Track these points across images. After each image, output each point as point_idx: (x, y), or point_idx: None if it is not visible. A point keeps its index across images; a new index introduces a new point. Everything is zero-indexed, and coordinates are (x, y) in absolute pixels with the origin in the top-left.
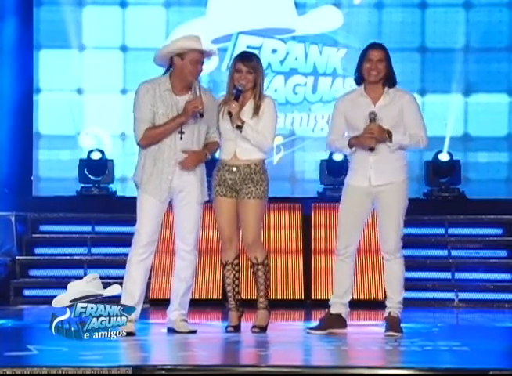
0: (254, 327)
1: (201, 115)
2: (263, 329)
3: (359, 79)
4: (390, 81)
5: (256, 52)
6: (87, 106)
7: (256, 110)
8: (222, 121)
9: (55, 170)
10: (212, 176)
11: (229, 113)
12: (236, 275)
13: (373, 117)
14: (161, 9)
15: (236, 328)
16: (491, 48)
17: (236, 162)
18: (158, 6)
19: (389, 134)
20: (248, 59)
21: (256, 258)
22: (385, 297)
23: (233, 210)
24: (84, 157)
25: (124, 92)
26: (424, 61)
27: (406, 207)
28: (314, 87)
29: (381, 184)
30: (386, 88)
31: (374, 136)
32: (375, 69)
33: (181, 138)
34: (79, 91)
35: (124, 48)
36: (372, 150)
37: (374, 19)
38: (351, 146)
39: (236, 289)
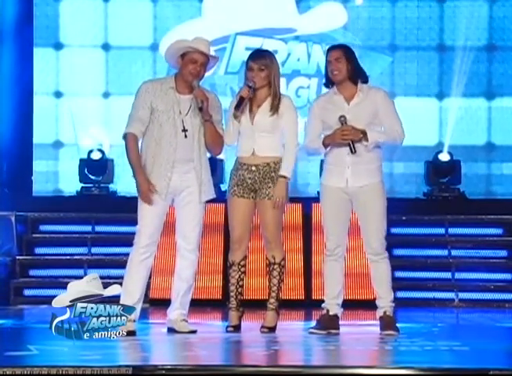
0: (262, 327)
1: (200, 109)
2: (272, 329)
3: (328, 83)
4: (357, 77)
5: None
6: (65, 112)
7: (274, 109)
8: (243, 118)
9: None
10: (230, 175)
11: (241, 98)
12: (242, 276)
13: (343, 121)
14: (148, 2)
15: (236, 328)
16: None
17: (255, 161)
18: (144, 0)
19: (364, 133)
20: (259, 57)
21: (273, 258)
22: (375, 297)
23: (248, 211)
24: (63, 167)
25: (106, 95)
26: (443, 61)
27: (386, 207)
28: (318, 89)
29: (358, 186)
30: (359, 86)
31: (349, 138)
32: (335, 69)
33: (185, 136)
34: (57, 94)
35: (106, 47)
36: (353, 152)
37: (387, 15)
38: (325, 145)
39: (240, 289)
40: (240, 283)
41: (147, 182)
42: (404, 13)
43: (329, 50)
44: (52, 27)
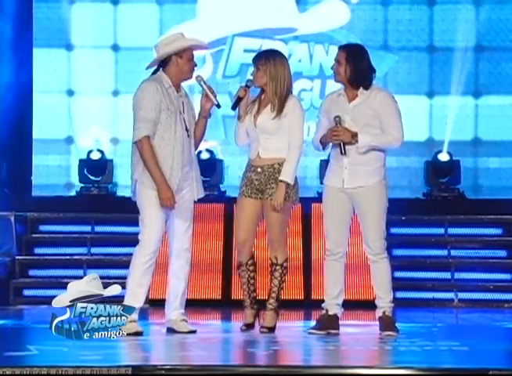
0: (262, 327)
1: (218, 106)
2: (271, 329)
3: None
4: (358, 82)
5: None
6: (76, 109)
7: (277, 110)
8: (248, 120)
9: (42, 176)
10: (242, 177)
11: (238, 98)
12: (252, 274)
13: (337, 121)
14: (154, 6)
15: (250, 326)
16: (503, 47)
17: (260, 162)
18: (151, 3)
19: (356, 135)
20: (256, 56)
21: (276, 258)
22: (375, 297)
23: (255, 211)
24: (75, 162)
25: (115, 93)
26: (432, 61)
27: (386, 207)
28: (321, 91)
29: (353, 187)
30: (360, 89)
31: (340, 138)
32: (334, 70)
33: (188, 135)
34: (68, 93)
35: (115, 48)
36: (343, 154)
37: (380, 17)
38: (323, 143)
39: (252, 288)
40: (251, 281)
41: (170, 189)
42: (396, 16)
43: (338, 48)
44: (65, 29)
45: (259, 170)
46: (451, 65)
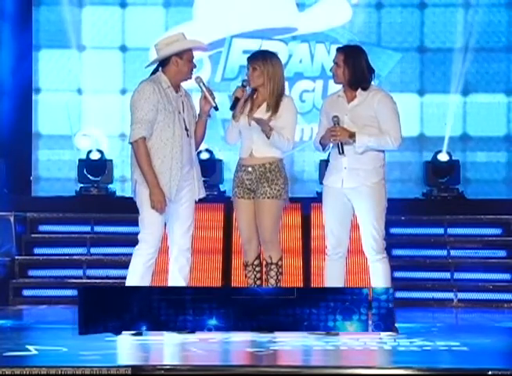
0: None
1: (216, 108)
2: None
3: None
4: (357, 84)
5: None
6: (86, 107)
7: (272, 109)
8: (242, 119)
9: (54, 170)
10: (233, 177)
11: (236, 98)
12: (258, 275)
13: (335, 121)
14: (161, 8)
15: None
16: (490, 48)
17: (252, 162)
18: (158, 6)
19: (353, 135)
20: (252, 57)
21: (270, 258)
22: None
23: (251, 211)
24: (84, 157)
25: (123, 92)
26: (423, 61)
27: (385, 207)
28: (324, 92)
29: (352, 187)
30: (359, 90)
31: (337, 138)
32: (334, 73)
33: (187, 135)
34: (79, 91)
35: (123, 49)
36: (341, 153)
37: (373, 20)
38: (322, 144)
39: None
40: (258, 282)
41: (162, 193)
42: (388, 18)
43: (336, 50)
44: (76, 30)
45: (250, 169)
46: (441, 65)
